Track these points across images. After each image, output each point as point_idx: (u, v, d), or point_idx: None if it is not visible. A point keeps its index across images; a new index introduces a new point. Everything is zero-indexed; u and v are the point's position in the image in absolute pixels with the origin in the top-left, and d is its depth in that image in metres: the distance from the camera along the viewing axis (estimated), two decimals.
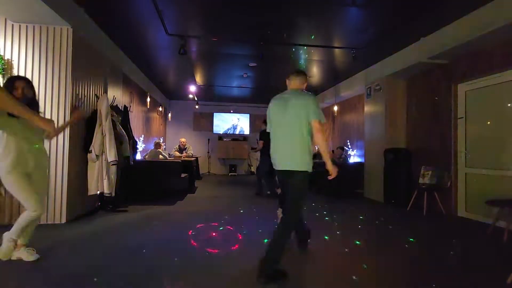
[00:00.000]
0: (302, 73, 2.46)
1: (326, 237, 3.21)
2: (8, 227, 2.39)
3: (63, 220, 3.53)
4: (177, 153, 8.21)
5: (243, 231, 3.37)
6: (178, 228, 3.49)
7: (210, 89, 8.71)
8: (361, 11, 3.86)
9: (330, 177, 2.26)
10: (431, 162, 4.83)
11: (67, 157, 3.58)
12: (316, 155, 6.01)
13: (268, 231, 3.25)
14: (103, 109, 3.97)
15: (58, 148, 3.55)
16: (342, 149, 7.24)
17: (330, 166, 2.23)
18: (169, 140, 10.27)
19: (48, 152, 3.38)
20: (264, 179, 5.93)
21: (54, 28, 3.56)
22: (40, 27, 3.53)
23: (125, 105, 5.32)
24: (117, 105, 4.70)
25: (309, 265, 2.51)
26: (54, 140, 3.49)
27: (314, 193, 6.26)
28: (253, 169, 10.41)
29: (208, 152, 10.55)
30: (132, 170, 4.86)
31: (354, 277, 2.22)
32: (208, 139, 10.60)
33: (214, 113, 10.83)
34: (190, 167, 6.90)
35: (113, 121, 4.15)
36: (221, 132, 10.84)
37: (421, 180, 4.73)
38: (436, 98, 4.88)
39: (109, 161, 3.95)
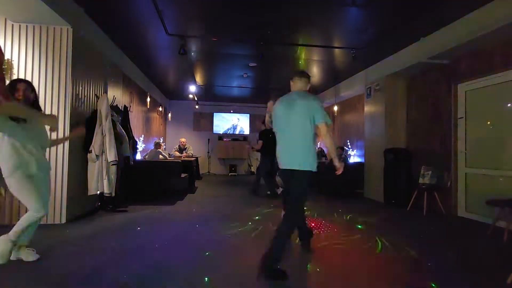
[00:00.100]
0: (306, 74, 2.52)
1: (326, 238, 3.21)
2: (8, 227, 2.39)
3: (63, 220, 3.53)
4: (177, 153, 8.22)
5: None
6: (178, 228, 3.50)
7: (210, 89, 8.72)
8: (361, 11, 3.86)
9: (337, 172, 2.43)
10: (431, 162, 4.83)
11: (67, 157, 3.58)
12: (318, 154, 6.01)
13: (268, 231, 3.25)
14: (103, 109, 3.97)
15: (58, 148, 3.55)
16: (342, 149, 7.25)
17: (338, 163, 2.40)
18: (169, 140, 10.27)
19: (48, 152, 3.39)
20: (264, 179, 5.93)
21: (54, 28, 3.56)
22: (40, 27, 3.53)
23: (125, 105, 5.32)
24: (117, 105, 4.69)
25: (309, 265, 2.51)
26: None
27: (315, 193, 6.26)
28: (253, 169, 10.41)
29: (208, 152, 10.55)
30: (132, 170, 4.86)
31: (354, 277, 2.22)
32: (208, 139, 10.60)
33: (214, 113, 10.83)
34: (190, 167, 6.89)
35: (113, 121, 4.15)
36: (221, 132, 10.84)
37: (421, 180, 4.72)
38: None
39: (109, 161, 3.95)
